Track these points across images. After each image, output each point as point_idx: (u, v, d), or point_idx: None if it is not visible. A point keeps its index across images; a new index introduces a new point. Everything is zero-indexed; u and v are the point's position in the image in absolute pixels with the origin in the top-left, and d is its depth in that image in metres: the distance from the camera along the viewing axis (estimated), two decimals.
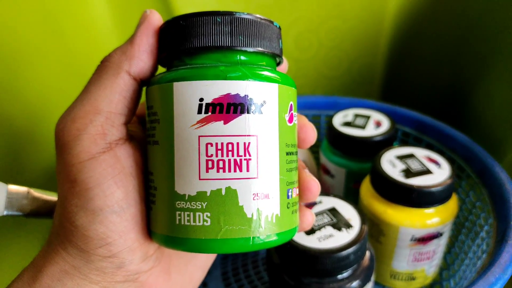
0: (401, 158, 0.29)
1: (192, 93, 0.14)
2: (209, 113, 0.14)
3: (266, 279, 0.33)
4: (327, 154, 0.34)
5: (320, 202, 0.26)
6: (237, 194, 0.14)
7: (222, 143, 0.14)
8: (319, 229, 0.24)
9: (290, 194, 0.16)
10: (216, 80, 0.14)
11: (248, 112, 0.14)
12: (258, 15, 0.16)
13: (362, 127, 0.33)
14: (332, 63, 0.48)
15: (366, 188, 0.30)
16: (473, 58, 0.42)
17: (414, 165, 0.28)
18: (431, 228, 0.27)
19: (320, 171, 0.37)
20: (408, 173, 0.28)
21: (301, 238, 0.23)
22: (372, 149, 0.31)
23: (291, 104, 0.16)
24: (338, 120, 0.34)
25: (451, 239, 0.33)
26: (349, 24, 0.47)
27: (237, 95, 0.14)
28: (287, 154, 0.16)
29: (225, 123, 0.14)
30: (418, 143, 0.36)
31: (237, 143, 0.14)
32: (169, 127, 0.15)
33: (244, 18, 0.15)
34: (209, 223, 0.14)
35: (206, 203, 0.14)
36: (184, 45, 0.15)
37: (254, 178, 0.15)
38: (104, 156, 0.14)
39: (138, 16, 0.17)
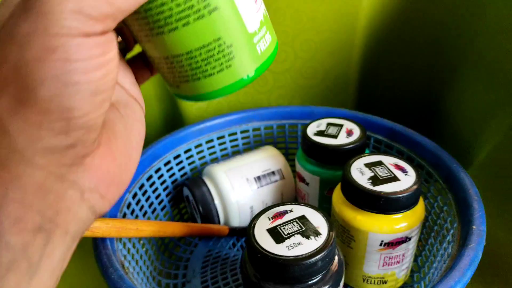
0: (370, 165, 0.30)
1: None
2: None
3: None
4: (302, 162, 0.35)
5: (291, 211, 0.27)
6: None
7: None
8: (289, 237, 0.25)
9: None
10: None
11: None
12: None
13: (335, 136, 0.34)
14: (308, 74, 0.50)
15: (337, 195, 0.31)
16: (443, 66, 0.43)
17: (382, 172, 0.30)
18: (399, 233, 0.29)
19: (296, 179, 0.38)
20: (376, 180, 0.29)
21: (271, 247, 0.24)
22: (343, 157, 0.33)
23: None
24: (311, 129, 0.35)
25: (422, 242, 0.34)
26: (323, 36, 0.48)
27: None
28: None
29: None
30: (390, 149, 0.38)
31: None
32: None
33: None
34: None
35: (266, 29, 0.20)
36: None
37: None
38: (98, 39, 0.14)
39: None
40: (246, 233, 0.38)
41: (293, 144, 0.43)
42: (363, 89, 0.50)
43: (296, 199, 0.40)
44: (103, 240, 0.25)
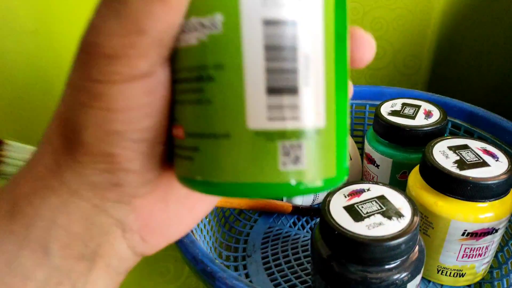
0: (455, 149, 0.28)
1: None
2: None
3: (305, 265, 0.32)
4: (373, 143, 0.33)
5: (368, 189, 0.25)
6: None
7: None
8: (368, 216, 0.23)
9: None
10: None
11: None
12: None
13: (412, 117, 0.32)
14: (377, 54, 0.47)
15: (414, 179, 0.29)
16: None
17: (469, 157, 0.27)
18: (485, 223, 0.26)
19: (365, 160, 0.36)
20: (463, 164, 0.26)
21: (349, 225, 0.23)
22: (422, 139, 0.30)
23: None
24: (385, 109, 0.33)
25: (504, 237, 0.31)
26: (395, 14, 0.45)
27: None
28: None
29: None
30: (470, 136, 0.35)
31: None
32: None
33: None
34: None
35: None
36: None
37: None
38: (143, 82, 0.12)
39: None
40: (309, 212, 0.37)
41: (359, 126, 0.41)
42: (438, 71, 0.46)
43: None
44: None
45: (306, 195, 0.13)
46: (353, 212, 0.23)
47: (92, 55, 0.12)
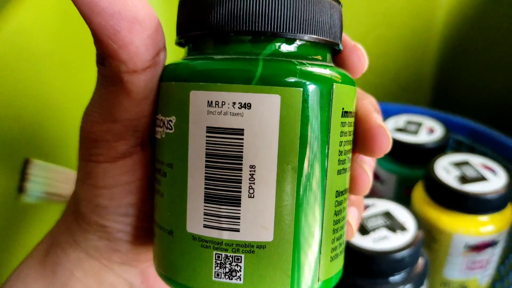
0: (456, 165, 0.29)
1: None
2: None
3: None
4: (378, 160, 0.35)
5: (373, 205, 0.27)
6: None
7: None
8: (374, 230, 0.24)
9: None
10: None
11: None
12: None
13: (415, 133, 0.33)
14: (379, 71, 0.49)
15: (418, 194, 0.30)
16: None
17: (469, 172, 0.28)
18: (486, 236, 0.27)
19: None
20: (464, 179, 0.28)
21: (356, 239, 0.24)
22: (425, 155, 0.31)
23: None
24: (389, 126, 0.35)
25: (505, 250, 0.32)
26: (397, 32, 0.47)
27: None
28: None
29: None
30: (471, 152, 0.36)
31: None
32: None
33: None
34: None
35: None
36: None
37: None
38: (123, 162, 0.14)
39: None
40: None
41: None
42: (439, 87, 0.48)
43: None
44: None
45: None
46: (360, 226, 0.25)
47: (83, 138, 0.14)
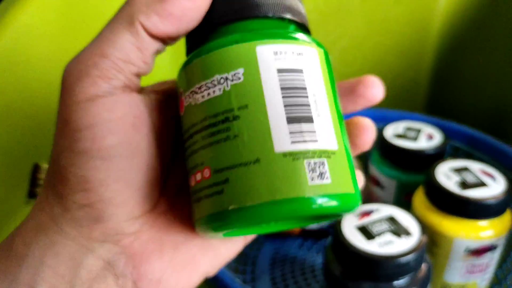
0: (456, 170, 0.30)
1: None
2: None
3: (313, 285, 0.34)
4: (378, 165, 0.35)
5: (377, 210, 0.27)
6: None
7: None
8: (379, 235, 0.25)
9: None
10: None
11: None
12: None
13: (414, 139, 0.34)
14: (378, 78, 0.49)
15: (419, 199, 0.31)
16: None
17: (469, 178, 0.29)
18: (486, 240, 0.28)
19: (370, 183, 0.38)
20: (464, 185, 0.28)
21: (361, 243, 0.24)
22: (424, 161, 0.32)
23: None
24: (389, 132, 0.35)
25: (502, 254, 0.33)
26: (393, 40, 0.48)
27: None
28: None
29: None
30: (469, 158, 0.37)
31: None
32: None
33: None
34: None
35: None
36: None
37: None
38: (104, 100, 0.13)
39: None
40: (315, 234, 0.38)
41: None
42: (435, 94, 0.49)
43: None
44: None
45: (335, 213, 0.14)
46: (365, 231, 0.25)
47: (66, 77, 0.14)
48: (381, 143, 0.35)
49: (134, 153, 0.14)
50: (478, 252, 0.28)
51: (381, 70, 0.49)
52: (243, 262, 0.37)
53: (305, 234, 0.38)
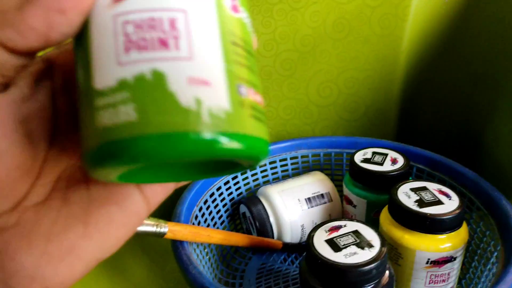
0: (415, 190, 0.33)
1: None
2: None
3: None
4: (350, 187, 0.39)
5: (345, 225, 0.30)
6: (165, 77, 0.12)
7: (142, 19, 0.12)
8: (345, 247, 0.28)
9: (242, 91, 0.13)
10: None
11: None
12: None
13: (380, 163, 0.38)
14: (351, 108, 0.54)
15: (385, 216, 0.34)
16: (481, 100, 0.46)
17: (427, 197, 0.33)
18: (445, 252, 0.31)
19: (343, 202, 0.41)
20: (422, 203, 0.32)
21: (329, 255, 0.27)
22: (389, 182, 0.36)
23: None
24: (358, 157, 0.39)
25: (465, 265, 0.36)
26: (365, 74, 0.52)
27: None
28: (232, 43, 0.13)
29: None
30: (432, 178, 0.41)
31: (160, 19, 0.12)
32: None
33: None
34: (134, 117, 0.11)
35: (129, 93, 0.12)
36: None
37: (185, 58, 0.12)
38: None
39: None
40: (297, 248, 0.41)
41: (338, 171, 0.47)
42: (404, 122, 0.53)
43: None
44: (181, 242, 0.29)
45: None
46: (333, 244, 0.28)
47: None
48: (352, 166, 0.38)
49: None
50: (439, 263, 0.31)
51: (354, 102, 0.53)
52: (231, 275, 0.39)
53: (287, 249, 0.40)
